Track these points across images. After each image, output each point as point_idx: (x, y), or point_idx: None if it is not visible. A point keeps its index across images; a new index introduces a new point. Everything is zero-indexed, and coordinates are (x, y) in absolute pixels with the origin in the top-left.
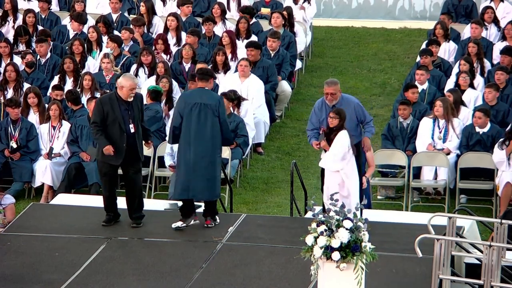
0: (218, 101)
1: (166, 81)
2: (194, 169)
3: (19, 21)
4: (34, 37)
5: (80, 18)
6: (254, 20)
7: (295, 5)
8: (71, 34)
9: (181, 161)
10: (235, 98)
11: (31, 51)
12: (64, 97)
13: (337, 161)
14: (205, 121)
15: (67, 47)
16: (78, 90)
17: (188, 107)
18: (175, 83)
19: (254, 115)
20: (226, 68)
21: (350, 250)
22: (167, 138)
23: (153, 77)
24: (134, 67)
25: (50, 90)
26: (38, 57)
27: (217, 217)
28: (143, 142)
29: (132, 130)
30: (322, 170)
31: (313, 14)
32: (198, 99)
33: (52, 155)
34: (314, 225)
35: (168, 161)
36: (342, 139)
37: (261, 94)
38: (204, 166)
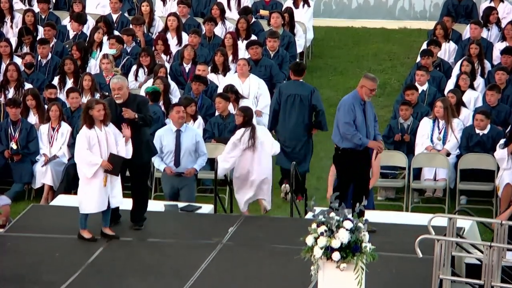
0: (310, 92)
1: (160, 82)
2: (285, 145)
3: (16, 20)
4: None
5: (80, 18)
6: (253, 19)
7: (295, 8)
8: (71, 34)
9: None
10: (231, 91)
11: (30, 52)
12: (65, 92)
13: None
14: (294, 109)
15: (67, 47)
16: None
17: (284, 97)
18: (173, 84)
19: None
20: (226, 69)
21: (350, 250)
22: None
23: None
24: (134, 67)
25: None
26: (39, 58)
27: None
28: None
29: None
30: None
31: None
32: (292, 91)
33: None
34: (314, 225)
35: (157, 163)
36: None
37: (266, 93)
38: (292, 145)
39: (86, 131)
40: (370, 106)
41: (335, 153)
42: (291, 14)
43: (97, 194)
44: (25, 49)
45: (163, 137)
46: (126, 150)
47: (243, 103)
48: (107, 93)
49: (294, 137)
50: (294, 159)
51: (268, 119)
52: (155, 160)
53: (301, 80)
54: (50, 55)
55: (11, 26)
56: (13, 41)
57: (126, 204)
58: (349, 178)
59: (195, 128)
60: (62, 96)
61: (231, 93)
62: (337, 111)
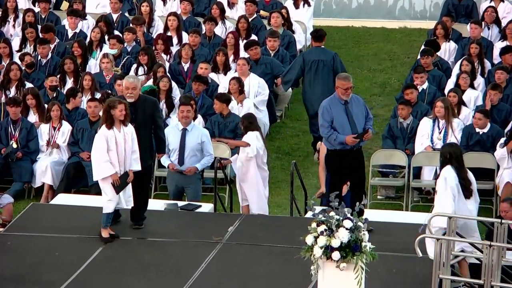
0: (332, 57)
1: (167, 80)
2: (314, 111)
3: (19, 20)
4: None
5: (74, 13)
6: (254, 15)
7: (296, 8)
8: (70, 33)
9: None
10: (241, 86)
11: (29, 53)
12: (64, 93)
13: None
14: (319, 74)
15: (68, 47)
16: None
17: (308, 63)
18: (174, 84)
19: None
20: (226, 68)
21: (350, 250)
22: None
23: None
24: (134, 66)
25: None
26: (39, 57)
27: None
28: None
29: None
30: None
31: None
32: (315, 57)
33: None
34: (314, 224)
35: (164, 160)
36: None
37: (264, 91)
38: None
39: (105, 131)
40: (357, 104)
41: (326, 153)
42: (287, 12)
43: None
44: (29, 47)
45: (169, 135)
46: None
47: (246, 101)
48: (109, 91)
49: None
50: None
51: (286, 86)
52: (162, 157)
53: (322, 47)
54: (50, 55)
55: (13, 26)
56: (15, 40)
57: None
58: (340, 178)
59: (202, 128)
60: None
61: (239, 85)
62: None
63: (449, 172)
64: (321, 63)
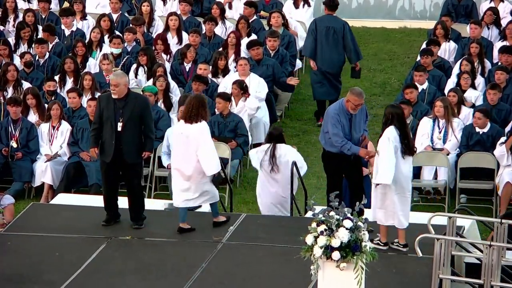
0: (342, 25)
1: (163, 80)
2: (322, 74)
3: (19, 20)
4: (34, 37)
5: (67, 12)
6: (254, 17)
7: (295, 8)
8: (67, 32)
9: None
10: (242, 89)
11: (29, 52)
12: (66, 92)
13: None
14: (329, 40)
15: (65, 43)
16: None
17: (320, 29)
18: (173, 83)
19: (254, 115)
20: (226, 71)
21: (350, 249)
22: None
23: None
24: (134, 66)
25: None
26: (37, 57)
27: None
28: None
29: (119, 129)
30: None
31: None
32: (327, 23)
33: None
34: (314, 224)
35: (165, 161)
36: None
37: (263, 90)
38: (329, 71)
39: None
40: (361, 112)
41: (322, 153)
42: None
43: None
44: (22, 47)
45: (170, 136)
46: None
47: (248, 101)
48: (108, 90)
49: (331, 65)
50: (328, 88)
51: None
52: (163, 157)
53: (334, 15)
54: (48, 54)
55: (14, 25)
56: (11, 40)
57: (124, 203)
58: (338, 178)
59: None
60: (62, 94)
61: (240, 89)
62: (325, 116)
63: (391, 133)
64: (331, 30)
